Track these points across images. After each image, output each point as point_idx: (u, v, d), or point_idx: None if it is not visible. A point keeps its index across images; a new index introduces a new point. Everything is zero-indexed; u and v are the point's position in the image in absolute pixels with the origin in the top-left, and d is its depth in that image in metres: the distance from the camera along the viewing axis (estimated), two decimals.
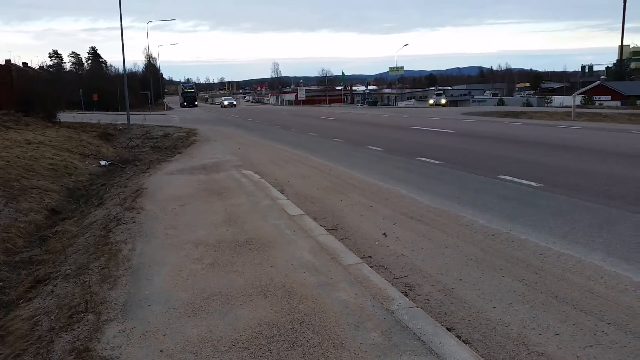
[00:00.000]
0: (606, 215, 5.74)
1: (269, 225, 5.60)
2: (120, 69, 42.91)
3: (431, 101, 63.37)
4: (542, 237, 5.05)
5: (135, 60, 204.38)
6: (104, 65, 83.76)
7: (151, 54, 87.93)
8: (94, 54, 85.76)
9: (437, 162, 10.11)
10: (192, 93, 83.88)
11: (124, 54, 26.52)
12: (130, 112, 26.08)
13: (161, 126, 25.13)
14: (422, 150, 12.23)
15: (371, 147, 13.35)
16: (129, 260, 4.66)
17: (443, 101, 60.07)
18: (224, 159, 11.82)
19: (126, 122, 24.41)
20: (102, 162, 13.54)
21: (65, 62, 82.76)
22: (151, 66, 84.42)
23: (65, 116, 24.00)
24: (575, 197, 6.60)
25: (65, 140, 15.79)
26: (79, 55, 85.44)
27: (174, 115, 41.06)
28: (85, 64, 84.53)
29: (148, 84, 62.22)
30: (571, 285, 3.87)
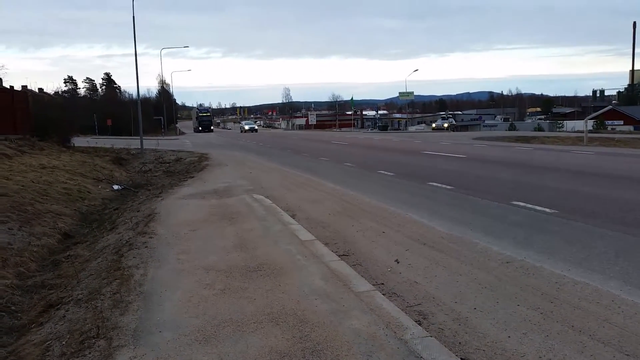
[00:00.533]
0: (622, 242, 5.66)
1: (281, 251, 5.59)
2: (134, 95, 44.00)
3: (434, 125, 63.55)
4: (557, 264, 4.98)
5: (149, 86, 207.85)
6: (117, 90, 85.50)
7: (164, 80, 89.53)
8: (108, 79, 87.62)
9: (449, 187, 10.07)
10: (208, 117, 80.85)
11: (137, 79, 27.05)
12: (143, 137, 26.47)
13: (174, 151, 25.41)
14: (434, 175, 12.20)
15: (382, 171, 13.35)
16: (140, 286, 4.66)
17: (446, 125, 60.13)
18: (236, 183, 11.88)
19: (139, 147, 24.73)
20: (115, 187, 13.68)
21: (79, 88, 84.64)
22: (164, 91, 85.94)
23: (79, 141, 24.39)
24: (590, 224, 6.51)
25: (79, 165, 16.00)
26: (94, 80, 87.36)
27: (187, 140, 41.51)
28: (100, 89, 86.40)
29: (161, 109, 63.14)
30: (588, 314, 3.80)
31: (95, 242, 7.62)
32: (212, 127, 79.70)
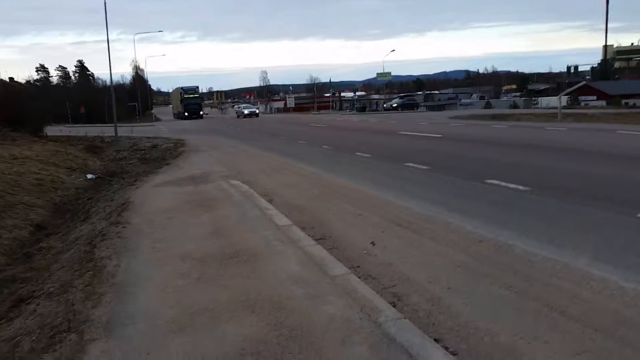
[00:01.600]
0: (593, 217, 5.77)
1: (257, 237, 5.55)
2: (108, 82, 42.63)
3: (385, 105, 63.97)
4: (529, 242, 5.05)
5: (123, 72, 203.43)
6: (91, 78, 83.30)
7: (139, 66, 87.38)
8: (81, 67, 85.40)
9: (424, 167, 10.12)
10: (196, 100, 61.76)
11: (110, 65, 26.54)
12: (118, 124, 25.95)
13: (149, 137, 25.01)
14: (410, 155, 12.25)
15: (360, 153, 13.35)
16: (113, 277, 4.59)
17: (394, 104, 60.70)
18: (212, 169, 11.76)
19: (114, 134, 24.27)
20: (89, 176, 13.41)
21: (52, 76, 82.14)
22: (139, 77, 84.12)
23: (52, 130, 23.83)
24: (563, 200, 6.62)
25: (52, 155, 15.63)
26: (66, 68, 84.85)
27: (162, 127, 40.87)
28: (73, 77, 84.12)
29: (136, 95, 61.94)
30: (559, 291, 3.86)
31: (68, 233, 7.48)
32: (201, 113, 61.46)
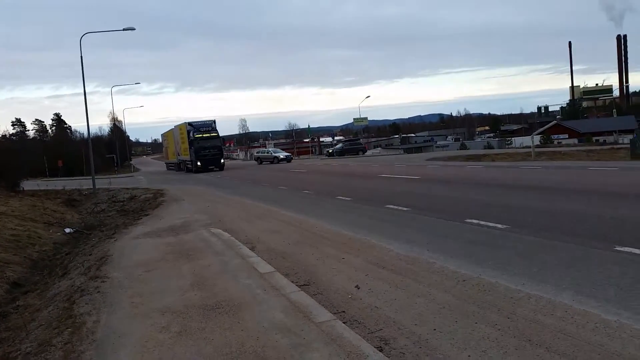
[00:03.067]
0: (573, 253, 5.85)
1: (240, 286, 5.49)
2: (86, 134, 42.46)
3: (329, 150, 58.01)
4: (512, 279, 5.09)
5: (101, 124, 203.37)
6: (68, 130, 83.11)
7: (116, 117, 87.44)
8: (58, 120, 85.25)
9: (405, 208, 10.21)
10: (214, 141, 39.33)
11: (87, 118, 26.50)
12: (96, 176, 25.74)
13: (128, 189, 24.75)
14: (390, 197, 12.36)
15: (340, 197, 13.43)
16: (93, 333, 4.46)
17: (329, 150, 56.64)
18: (193, 218, 11.66)
19: (92, 187, 24.01)
20: (67, 230, 13.18)
21: (28, 130, 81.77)
22: (117, 129, 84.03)
23: (29, 184, 23.48)
24: (542, 237, 6.72)
25: (29, 209, 15.37)
26: (43, 122, 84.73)
27: (141, 177, 40.58)
28: (50, 130, 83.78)
29: (114, 147, 61.68)
30: (543, 327, 3.88)
31: (46, 289, 7.29)
32: (222, 161, 40.43)
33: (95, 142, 47.90)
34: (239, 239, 8.35)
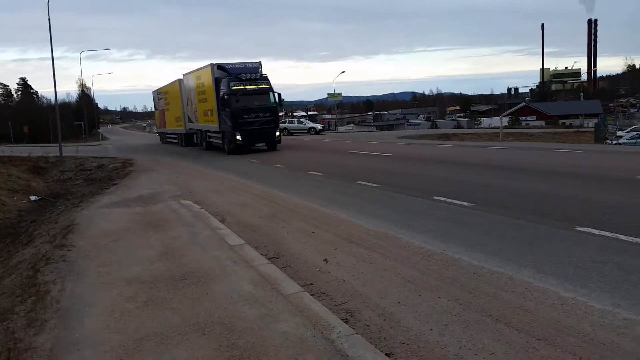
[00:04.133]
0: (535, 231, 6.04)
1: (209, 257, 5.49)
2: (53, 100, 40.99)
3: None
4: (475, 255, 5.24)
5: (69, 90, 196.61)
6: (35, 96, 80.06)
7: (85, 84, 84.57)
8: (24, 85, 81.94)
9: (375, 185, 10.31)
10: (264, 99, 22.11)
11: (55, 83, 25.60)
12: (63, 144, 25.03)
13: (95, 157, 24.19)
14: (361, 174, 12.45)
15: (312, 172, 13.45)
16: (57, 302, 4.41)
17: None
18: (162, 189, 11.52)
19: (58, 154, 23.37)
20: (32, 197, 12.83)
21: None
22: (85, 96, 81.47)
23: None
24: (506, 216, 6.91)
25: None
26: (8, 86, 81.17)
27: (109, 145, 39.67)
28: (15, 95, 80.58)
29: (82, 114, 59.83)
30: (504, 303, 4.02)
31: (9, 257, 7.12)
32: (278, 134, 23.45)
33: (63, 109, 46.42)
34: (209, 211, 8.31)
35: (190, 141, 29.54)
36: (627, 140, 30.01)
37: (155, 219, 7.84)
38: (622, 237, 5.45)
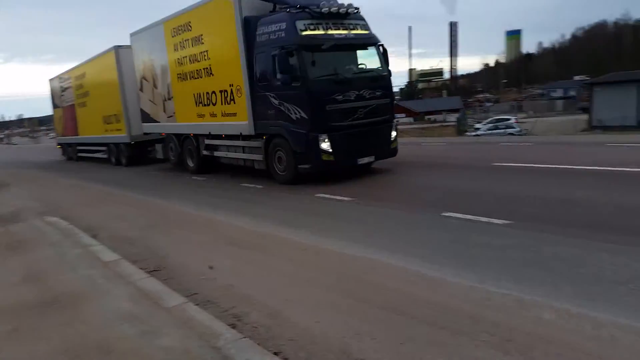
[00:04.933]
0: (403, 219, 6.50)
1: (80, 277, 5.07)
2: None
3: None
4: (347, 244, 5.58)
5: None
6: None
7: None
8: None
9: (260, 186, 10.30)
10: (379, 80, 10.15)
11: None
12: None
13: None
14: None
15: (196, 176, 13.06)
16: None
17: None
18: (24, 206, 10.43)
19: None
20: None
21: None
22: None
23: None
24: (376, 207, 7.37)
25: None
26: None
27: None
28: None
29: None
30: (367, 284, 4.35)
31: None
32: (394, 134, 10.69)
33: None
34: (79, 227, 7.68)
35: (140, 155, 17.63)
36: (484, 132, 33.41)
37: (16, 240, 7.05)
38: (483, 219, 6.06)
